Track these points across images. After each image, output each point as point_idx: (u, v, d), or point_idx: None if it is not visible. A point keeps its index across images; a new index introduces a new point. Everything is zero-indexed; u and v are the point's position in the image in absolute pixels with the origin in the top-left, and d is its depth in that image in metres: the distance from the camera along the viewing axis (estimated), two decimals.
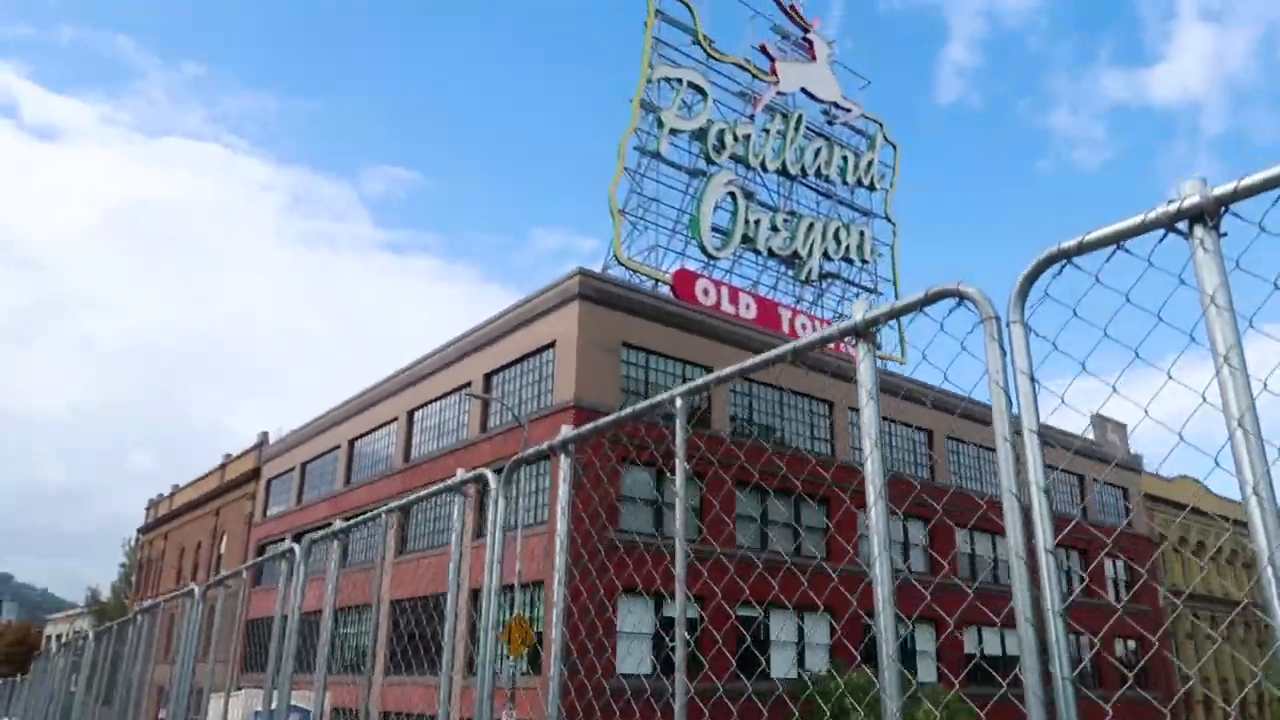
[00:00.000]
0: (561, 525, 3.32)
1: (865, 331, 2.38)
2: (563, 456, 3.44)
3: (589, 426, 3.46)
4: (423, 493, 4.63)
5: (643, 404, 3.18)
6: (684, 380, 30.67)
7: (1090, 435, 45.56)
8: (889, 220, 42.52)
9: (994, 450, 2.29)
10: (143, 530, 70.94)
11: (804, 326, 36.28)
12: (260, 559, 6.77)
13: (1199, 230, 1.72)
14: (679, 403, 3.00)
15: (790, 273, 38.05)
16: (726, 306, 33.72)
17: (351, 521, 5.50)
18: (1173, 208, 1.74)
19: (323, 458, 43.56)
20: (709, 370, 31.37)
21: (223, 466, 55.11)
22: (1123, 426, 45.61)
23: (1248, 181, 1.64)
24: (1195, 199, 1.70)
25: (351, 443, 40.97)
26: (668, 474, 26.38)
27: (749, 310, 34.50)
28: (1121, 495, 46.50)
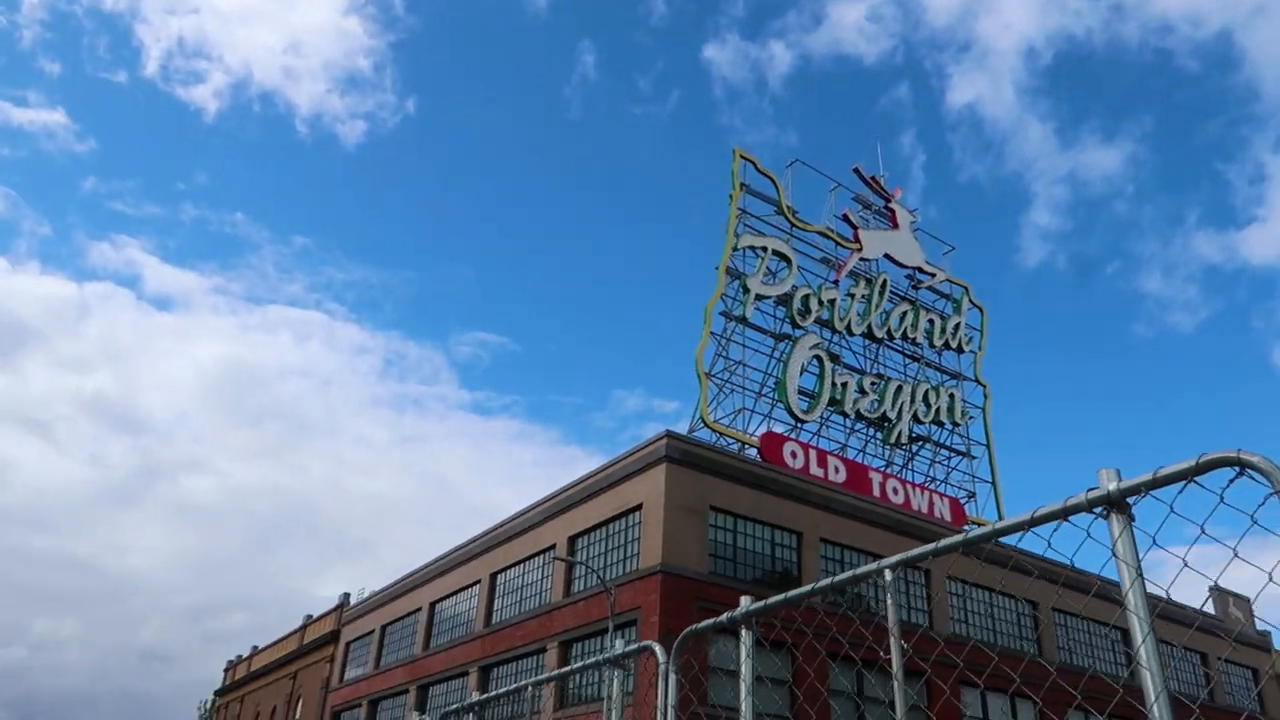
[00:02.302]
0: (746, 707, 3.11)
1: (1119, 502, 2.23)
2: (743, 630, 3.27)
3: (776, 598, 3.29)
4: (577, 665, 4.45)
5: (845, 575, 3.03)
6: (772, 545, 30.01)
7: (1210, 609, 42.50)
8: (979, 383, 41.91)
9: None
10: (219, 693, 70.43)
11: (895, 490, 35.33)
12: None
13: None
14: (888, 575, 2.85)
15: (879, 436, 37.45)
16: (815, 469, 33.14)
17: (489, 694, 5.29)
18: None
19: (402, 620, 43.12)
20: (798, 535, 30.53)
21: (303, 628, 54.90)
22: (1246, 600, 42.44)
23: None
24: None
25: (432, 605, 40.55)
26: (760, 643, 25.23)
27: (838, 473, 33.82)
28: (1250, 676, 42.73)
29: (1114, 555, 2.19)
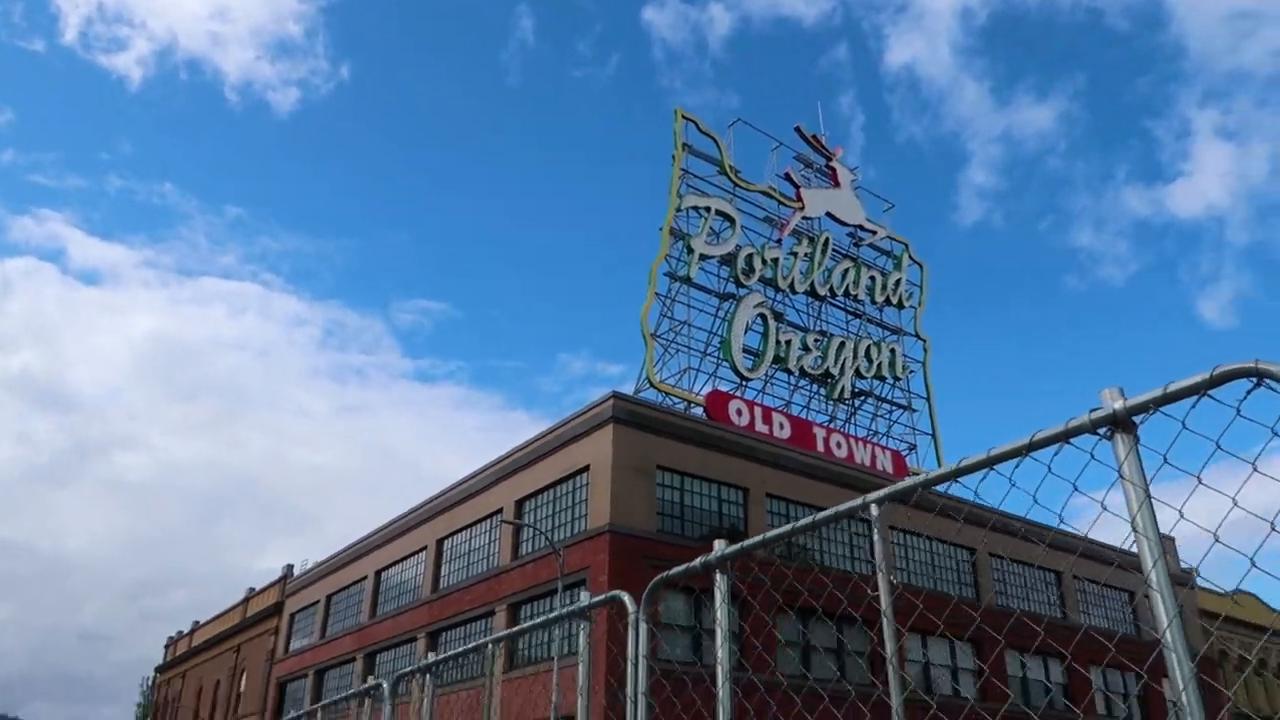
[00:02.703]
0: (723, 653, 3.00)
1: (1125, 421, 2.12)
2: (718, 574, 3.15)
3: (753, 540, 3.18)
4: (539, 620, 4.30)
5: (827, 511, 2.91)
6: (719, 502, 30.23)
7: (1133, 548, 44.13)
8: (919, 337, 42.53)
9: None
10: (160, 669, 69.19)
11: (839, 445, 35.80)
12: (342, 696, 6.33)
13: None
14: (874, 510, 2.74)
15: (822, 392, 37.85)
16: (760, 426, 33.38)
17: (448, 654, 5.11)
18: None
19: (348, 590, 42.67)
20: (745, 491, 30.77)
21: (245, 601, 54.06)
22: (1171, 539, 44.16)
23: None
24: None
25: (378, 573, 40.18)
26: (705, 600, 25.41)
27: (783, 430, 34.12)
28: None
29: (1120, 477, 2.10)
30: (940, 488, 2.69)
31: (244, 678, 50.41)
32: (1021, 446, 2.28)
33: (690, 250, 34.54)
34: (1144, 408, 2.06)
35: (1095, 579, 39.71)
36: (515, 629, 4.44)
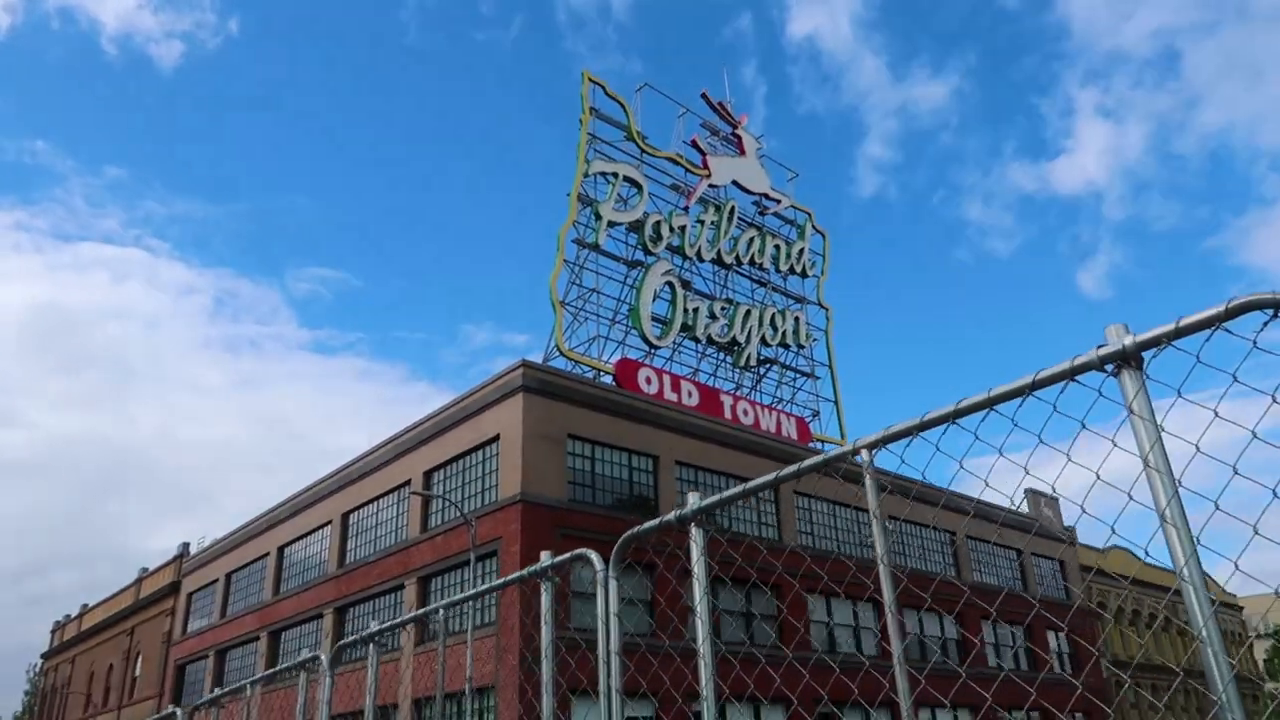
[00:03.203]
0: (702, 608, 2.94)
1: (1134, 357, 2.12)
2: (694, 528, 3.08)
3: (731, 492, 3.11)
4: (497, 581, 4.16)
5: (811, 460, 2.86)
6: (630, 470, 30.34)
7: (1024, 509, 46.31)
8: (822, 306, 43.37)
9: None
10: (46, 655, 66.05)
11: (745, 412, 36.33)
12: (281, 667, 6.05)
13: None
14: (865, 456, 2.71)
15: (729, 359, 38.29)
16: (669, 394, 33.59)
17: (390, 623, 4.92)
18: None
19: (249, 567, 41.38)
20: (655, 459, 30.96)
21: (138, 582, 51.93)
22: (1055, 500, 46.46)
23: None
24: None
25: (281, 550, 39.06)
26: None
27: (691, 397, 34.42)
28: (1058, 567, 47.07)
29: (1130, 413, 2.10)
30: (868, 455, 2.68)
31: (139, 661, 48.53)
32: (1024, 385, 2.26)
33: (598, 217, 34.32)
34: (1155, 342, 2.05)
35: (987, 539, 41.54)
36: (471, 593, 4.30)
